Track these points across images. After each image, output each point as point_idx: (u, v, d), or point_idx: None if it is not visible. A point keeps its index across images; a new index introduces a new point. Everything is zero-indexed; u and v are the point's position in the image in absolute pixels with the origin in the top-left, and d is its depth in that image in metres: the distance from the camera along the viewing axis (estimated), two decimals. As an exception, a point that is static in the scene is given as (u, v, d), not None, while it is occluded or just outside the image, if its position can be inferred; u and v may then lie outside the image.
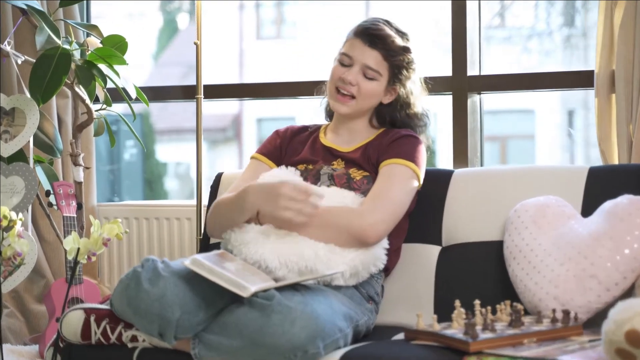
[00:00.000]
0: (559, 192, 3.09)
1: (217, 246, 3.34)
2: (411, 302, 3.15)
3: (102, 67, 3.36)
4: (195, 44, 3.78)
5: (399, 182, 3.03)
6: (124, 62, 3.35)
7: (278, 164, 3.23)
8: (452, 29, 3.76)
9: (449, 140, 3.93)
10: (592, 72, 3.50)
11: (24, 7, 3.37)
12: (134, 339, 2.74)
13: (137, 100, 3.55)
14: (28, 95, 3.42)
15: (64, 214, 3.50)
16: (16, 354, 3.49)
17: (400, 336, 2.82)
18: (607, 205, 2.90)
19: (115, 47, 3.41)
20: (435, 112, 3.65)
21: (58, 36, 3.31)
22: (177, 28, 8.69)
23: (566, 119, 7.04)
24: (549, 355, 2.42)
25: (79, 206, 3.56)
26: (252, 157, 3.29)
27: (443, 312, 2.85)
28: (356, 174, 3.11)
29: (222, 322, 2.62)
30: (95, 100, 3.60)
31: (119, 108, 3.72)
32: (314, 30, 7.38)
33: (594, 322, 2.76)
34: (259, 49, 8.10)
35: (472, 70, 3.77)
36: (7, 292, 3.81)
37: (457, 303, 2.66)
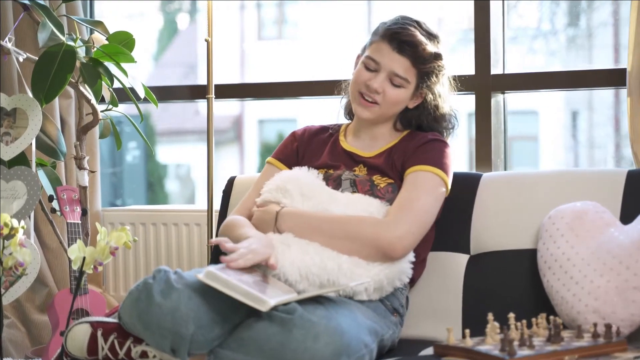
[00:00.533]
0: (595, 197, 2.89)
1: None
2: (438, 315, 2.97)
3: (109, 65, 3.12)
4: (206, 40, 3.54)
5: (427, 191, 2.82)
6: (132, 60, 3.11)
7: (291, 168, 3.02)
8: (474, 26, 3.54)
9: (463, 141, 3.72)
10: (624, 70, 3.29)
11: (27, 2, 3.13)
12: (143, 354, 2.54)
13: (145, 100, 3.32)
14: (30, 94, 3.18)
15: (68, 220, 3.26)
16: (18, 367, 3.30)
17: (429, 351, 2.66)
18: (650, 211, 2.73)
19: (122, 44, 3.17)
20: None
21: (62, 32, 3.07)
22: (177, 29, 8.62)
23: (570, 120, 6.90)
24: (595, 374, 2.26)
25: (84, 212, 3.32)
26: (267, 162, 3.09)
27: (472, 325, 2.68)
28: (380, 181, 2.89)
29: (240, 337, 2.44)
30: (100, 100, 3.35)
31: (120, 108, 3.49)
32: (315, 30, 7.30)
33: (639, 336, 2.62)
34: (260, 50, 8.00)
35: (494, 69, 3.54)
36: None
37: (490, 316, 2.47)
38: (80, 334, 2.59)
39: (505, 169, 3.60)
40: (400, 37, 2.87)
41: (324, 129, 3.09)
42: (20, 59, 3.19)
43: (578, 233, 2.77)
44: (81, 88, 3.19)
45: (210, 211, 3.54)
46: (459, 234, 3.01)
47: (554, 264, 2.76)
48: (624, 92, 3.36)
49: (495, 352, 2.33)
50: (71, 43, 3.08)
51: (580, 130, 6.74)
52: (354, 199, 2.82)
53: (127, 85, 3.17)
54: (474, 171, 3.35)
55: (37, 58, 3.10)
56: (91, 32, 3.45)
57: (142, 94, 3.21)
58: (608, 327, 2.47)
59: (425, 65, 2.89)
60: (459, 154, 4.86)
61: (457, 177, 2.97)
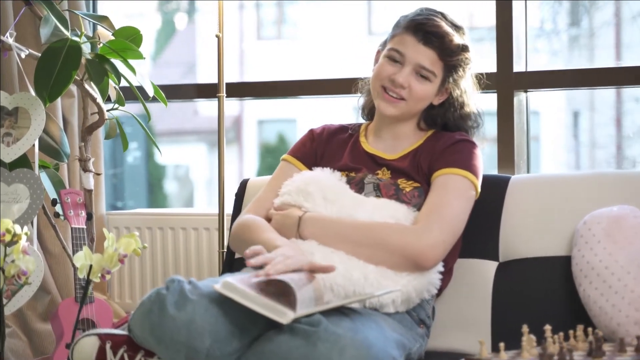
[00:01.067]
0: (632, 201, 2.69)
1: (243, 260, 2.91)
2: (465, 325, 2.77)
3: (115, 62, 2.91)
4: (217, 36, 3.33)
5: (457, 196, 2.62)
6: (140, 56, 2.89)
7: (311, 169, 2.80)
8: (496, 22, 3.34)
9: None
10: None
11: (29, -6, 2.92)
12: (155, 369, 2.34)
13: (153, 99, 3.10)
14: (33, 93, 2.96)
15: (73, 225, 3.05)
16: (19, 379, 3.09)
17: (460, 365, 2.44)
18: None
19: (129, 40, 2.95)
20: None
21: (66, 27, 2.85)
22: (175, 28, 8.58)
23: (572, 120, 6.76)
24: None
25: (89, 216, 3.11)
26: (282, 159, 2.86)
27: (502, 336, 2.46)
28: (405, 185, 2.68)
29: (260, 351, 2.26)
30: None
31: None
32: (315, 30, 7.13)
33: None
34: (259, 50, 7.91)
35: (516, 66, 3.34)
36: (8, 310, 3.37)
37: (525, 329, 2.26)
38: (87, 346, 2.40)
39: (528, 171, 3.40)
40: (425, 27, 2.67)
41: (343, 129, 2.88)
42: (23, 56, 2.96)
43: (616, 239, 2.58)
44: (86, 86, 2.98)
45: (221, 215, 3.33)
46: (487, 240, 2.81)
47: (591, 272, 2.57)
48: (626, 91, 3.25)
49: (535, 368, 2.13)
50: (76, 38, 2.86)
51: (581, 131, 6.60)
52: (380, 204, 2.62)
53: (135, 83, 2.96)
54: (496, 173, 3.16)
55: (40, 54, 2.89)
56: (94, 28, 3.24)
57: (151, 93, 2.99)
58: (653, 340, 2.27)
59: (452, 57, 2.69)
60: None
61: (484, 179, 2.76)
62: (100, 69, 2.84)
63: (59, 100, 3.53)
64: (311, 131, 2.88)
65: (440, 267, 2.61)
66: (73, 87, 3.47)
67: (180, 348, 2.25)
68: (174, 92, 3.78)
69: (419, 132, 2.78)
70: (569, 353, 2.17)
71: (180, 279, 2.31)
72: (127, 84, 3.03)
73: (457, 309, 2.77)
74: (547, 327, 2.24)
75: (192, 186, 8.24)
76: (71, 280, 3.56)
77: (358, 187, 2.69)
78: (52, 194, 3.18)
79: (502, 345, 2.24)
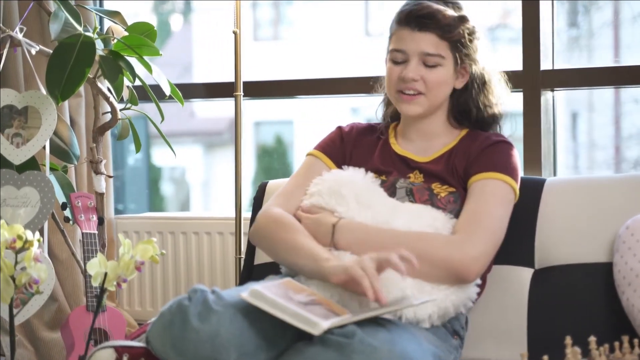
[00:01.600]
0: (676, 205, 2.52)
1: (263, 267, 2.74)
2: (500, 335, 2.58)
3: (130, 59, 2.73)
4: (234, 32, 3.15)
5: (498, 203, 2.43)
6: (157, 53, 2.70)
7: (339, 167, 2.60)
8: (522, 18, 3.16)
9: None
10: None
11: (38, -11, 2.73)
12: (176, 384, 2.14)
13: (170, 98, 2.92)
14: (44, 91, 2.77)
15: (84, 231, 2.86)
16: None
17: (499, 377, 2.26)
18: None
19: (144, 36, 2.77)
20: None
21: (79, 22, 2.66)
22: (171, 30, 8.49)
23: (570, 120, 6.63)
24: None
25: (100, 221, 2.91)
26: (309, 154, 2.64)
27: (539, 348, 2.40)
28: (440, 190, 2.49)
29: None
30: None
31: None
32: (312, 31, 7.00)
33: None
34: (256, 51, 7.80)
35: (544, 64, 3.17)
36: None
37: (569, 340, 2.06)
38: (103, 360, 2.21)
39: (554, 173, 3.23)
40: (416, 13, 2.47)
41: (372, 128, 2.67)
42: (33, 52, 2.77)
43: (662, 245, 2.41)
44: (99, 84, 2.79)
45: (238, 219, 3.14)
46: (521, 245, 2.62)
47: (635, 280, 2.39)
48: (624, 92, 3.25)
49: (584, 383, 1.94)
50: (89, 34, 2.68)
51: (580, 132, 6.48)
52: (416, 210, 2.42)
53: (151, 81, 2.77)
54: (529, 175, 2.99)
55: (51, 51, 2.69)
56: (102, 24, 3.06)
57: (167, 91, 2.80)
58: None
59: (452, 33, 2.48)
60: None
61: (518, 181, 2.58)
62: (114, 66, 2.66)
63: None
64: (339, 129, 2.67)
65: (478, 280, 2.44)
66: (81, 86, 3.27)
67: (204, 363, 2.06)
68: (188, 92, 3.60)
69: (450, 129, 2.60)
70: (619, 366, 2.02)
71: (204, 289, 2.13)
72: (139, 82, 2.85)
73: (491, 319, 2.58)
74: (592, 339, 2.06)
75: (188, 188, 8.11)
76: (79, 287, 3.36)
77: (390, 191, 2.50)
78: (61, 197, 3.00)
79: (545, 358, 2.07)
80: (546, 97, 3.17)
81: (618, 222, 2.51)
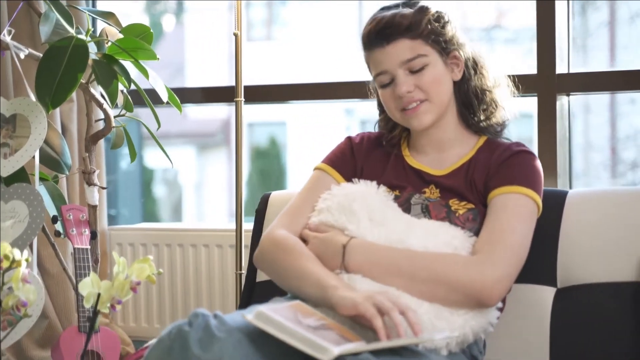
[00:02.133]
0: None
1: (266, 285, 2.53)
2: (520, 359, 2.38)
3: (125, 63, 2.52)
4: (235, 34, 2.94)
5: (521, 219, 2.22)
6: (154, 57, 2.49)
7: (349, 182, 2.39)
8: (537, 20, 2.97)
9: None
10: None
11: (27, -11, 2.51)
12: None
13: (167, 104, 2.71)
14: (33, 98, 2.55)
15: (75, 246, 2.64)
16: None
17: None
18: None
19: (140, 39, 2.56)
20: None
21: (71, 23, 2.45)
22: (163, 30, 8.39)
23: (565, 122, 6.50)
24: None
25: (93, 235, 2.70)
26: (317, 169, 2.42)
27: None
28: (458, 207, 2.27)
29: None
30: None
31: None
32: (306, 31, 6.95)
33: None
34: (249, 51, 7.71)
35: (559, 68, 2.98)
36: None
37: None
38: (97, 387, 2.01)
39: (570, 183, 3.03)
40: (375, 30, 2.27)
41: (382, 138, 2.47)
42: (22, 56, 2.55)
43: (696, 263, 2.22)
44: (92, 90, 2.58)
45: (239, 233, 2.93)
46: (543, 263, 2.41)
47: (666, 301, 2.20)
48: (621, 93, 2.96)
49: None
50: (82, 36, 2.46)
51: (575, 133, 6.33)
52: (432, 228, 2.20)
53: (145, 87, 2.57)
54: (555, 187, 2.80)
55: (41, 55, 2.48)
56: (94, 25, 2.84)
57: (165, 97, 2.58)
58: None
59: (420, 28, 2.27)
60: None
61: (538, 194, 2.37)
62: (109, 70, 2.44)
63: (56, 105, 3.14)
64: (349, 139, 2.45)
65: (499, 303, 2.23)
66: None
67: (206, 393, 1.86)
68: (185, 96, 3.40)
69: (464, 136, 2.38)
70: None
71: (205, 313, 1.92)
72: (134, 87, 2.64)
73: (511, 341, 2.38)
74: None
75: (181, 190, 7.98)
76: (71, 303, 3.15)
77: (404, 207, 2.28)
78: (52, 209, 2.78)
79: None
80: (561, 102, 2.97)
81: (647, 238, 2.32)
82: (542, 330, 2.37)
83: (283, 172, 7.61)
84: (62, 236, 2.70)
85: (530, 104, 3.00)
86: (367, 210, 2.23)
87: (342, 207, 2.25)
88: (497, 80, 2.39)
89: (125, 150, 5.37)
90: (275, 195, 2.72)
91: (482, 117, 2.37)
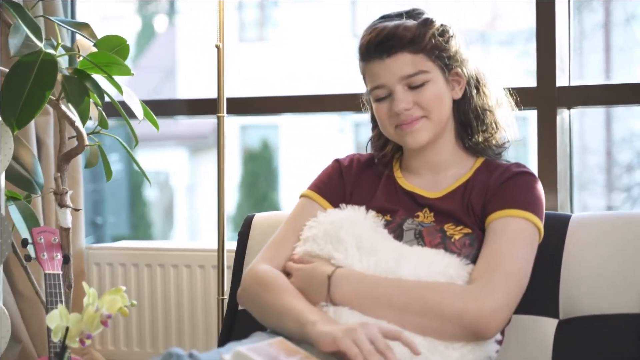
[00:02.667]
0: None
1: (248, 313, 2.33)
2: (520, 395, 2.18)
3: (98, 77, 2.32)
4: (216, 47, 2.75)
5: (521, 245, 2.03)
6: (128, 72, 2.28)
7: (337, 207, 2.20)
8: (536, 30, 2.76)
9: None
10: None
11: (-6, -3, 2.31)
12: None
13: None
14: (-2, 117, 2.36)
15: (46, 271, 2.45)
16: None
17: None
18: None
19: (114, 52, 2.35)
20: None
21: (39, 37, 2.24)
22: (155, 32, 8.29)
23: (566, 137, 6.44)
24: None
25: (66, 259, 2.50)
26: (303, 196, 2.23)
27: None
28: (454, 232, 2.08)
29: None
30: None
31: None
32: (298, 31, 6.90)
33: None
34: (241, 52, 7.64)
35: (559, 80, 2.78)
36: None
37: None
38: None
39: (571, 203, 2.83)
40: (375, 41, 2.09)
41: (374, 160, 2.26)
42: (-14, 71, 2.35)
43: None
44: (63, 107, 2.37)
45: (221, 256, 2.73)
46: (544, 292, 2.21)
47: (677, 337, 2.02)
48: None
49: None
50: (50, 51, 2.26)
51: (571, 135, 6.24)
52: (426, 256, 2.01)
53: (119, 101, 2.37)
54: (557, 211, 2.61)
55: (7, 70, 2.28)
56: (72, 37, 2.64)
57: (140, 115, 2.39)
58: None
59: (423, 42, 2.08)
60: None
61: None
62: (79, 87, 2.24)
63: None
64: (337, 162, 2.25)
65: (498, 335, 2.05)
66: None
67: None
68: (166, 109, 3.20)
69: (461, 157, 2.19)
70: None
71: (180, 354, 1.74)
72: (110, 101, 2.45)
73: (510, 376, 2.20)
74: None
75: (172, 192, 7.87)
76: (45, 328, 2.96)
77: (396, 233, 2.09)
78: (24, 230, 2.59)
79: None
80: (562, 116, 2.78)
81: (656, 268, 2.12)
82: (543, 365, 2.18)
83: (275, 176, 7.49)
84: (32, 260, 2.51)
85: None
86: (355, 238, 2.05)
87: (329, 235, 2.06)
88: (499, 99, 2.20)
89: (114, 157, 5.21)
90: (259, 217, 2.52)
91: (480, 139, 2.18)
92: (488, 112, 2.18)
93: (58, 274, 2.46)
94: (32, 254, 2.50)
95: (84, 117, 2.30)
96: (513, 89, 2.29)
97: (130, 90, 2.36)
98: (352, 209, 2.13)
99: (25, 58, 2.21)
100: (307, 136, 6.75)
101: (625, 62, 4.08)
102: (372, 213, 2.13)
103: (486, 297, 1.94)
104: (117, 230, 5.76)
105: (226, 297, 2.61)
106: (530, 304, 2.16)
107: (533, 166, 2.69)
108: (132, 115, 2.46)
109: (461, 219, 2.09)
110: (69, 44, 2.72)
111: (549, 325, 2.21)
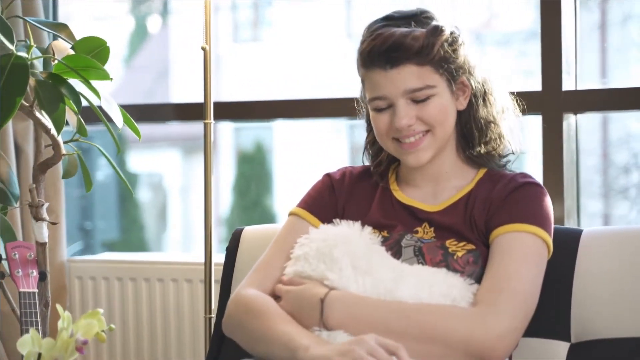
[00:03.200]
0: None
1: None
2: None
3: (74, 82, 2.13)
4: (202, 49, 2.56)
5: (528, 262, 1.86)
6: (106, 77, 2.09)
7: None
8: (541, 31, 2.58)
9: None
10: None
11: (-38, -3, 2.12)
12: None
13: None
14: (-33, 125, 2.16)
15: (21, 289, 2.25)
16: None
17: None
18: None
19: (93, 55, 2.16)
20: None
21: (11, 39, 2.05)
22: (147, 32, 8.21)
23: (573, 144, 6.40)
24: None
25: (42, 276, 2.31)
26: (292, 214, 2.05)
27: None
28: (457, 248, 1.90)
29: None
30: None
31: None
32: (292, 32, 6.87)
33: None
34: (236, 52, 7.60)
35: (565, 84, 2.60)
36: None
37: None
38: None
39: (578, 211, 2.65)
40: (379, 49, 1.90)
41: (367, 172, 2.08)
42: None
43: None
44: (37, 114, 2.18)
45: (208, 271, 2.54)
46: (554, 313, 2.04)
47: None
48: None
49: None
50: (23, 54, 2.07)
51: (578, 141, 6.21)
52: (427, 275, 1.84)
53: (97, 106, 2.18)
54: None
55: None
56: (54, 38, 2.45)
57: (120, 124, 2.19)
58: None
59: (432, 53, 1.90)
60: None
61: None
62: (54, 93, 2.04)
63: (9, 124, 2.76)
64: (328, 176, 2.08)
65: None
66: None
67: None
68: (151, 113, 3.02)
69: (463, 168, 2.02)
70: None
71: None
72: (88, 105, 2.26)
73: (518, 403, 2.02)
74: None
75: (166, 194, 7.75)
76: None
77: (393, 251, 1.92)
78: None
79: None
80: (568, 121, 2.60)
81: (675, 288, 1.94)
82: (553, 391, 2.00)
83: (269, 178, 7.38)
84: (5, 277, 2.31)
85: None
86: (350, 257, 1.87)
87: (321, 253, 1.88)
88: (504, 107, 2.02)
89: (102, 161, 5.03)
90: (248, 231, 2.34)
91: (482, 151, 1.99)
92: (492, 125, 2.00)
93: (33, 292, 2.26)
94: (7, 272, 2.30)
95: (59, 125, 2.10)
96: (517, 93, 2.11)
97: (109, 96, 2.16)
98: (347, 225, 1.95)
99: (-5, 62, 2.01)
100: (302, 137, 6.61)
101: (620, 63, 4.00)
102: (368, 229, 1.95)
103: (492, 320, 1.78)
104: (107, 235, 5.60)
105: (214, 315, 2.42)
106: (539, 326, 2.00)
107: (537, 174, 2.50)
108: (115, 124, 2.26)
109: (464, 234, 1.92)
110: (47, 45, 2.53)
111: (560, 349, 2.05)
